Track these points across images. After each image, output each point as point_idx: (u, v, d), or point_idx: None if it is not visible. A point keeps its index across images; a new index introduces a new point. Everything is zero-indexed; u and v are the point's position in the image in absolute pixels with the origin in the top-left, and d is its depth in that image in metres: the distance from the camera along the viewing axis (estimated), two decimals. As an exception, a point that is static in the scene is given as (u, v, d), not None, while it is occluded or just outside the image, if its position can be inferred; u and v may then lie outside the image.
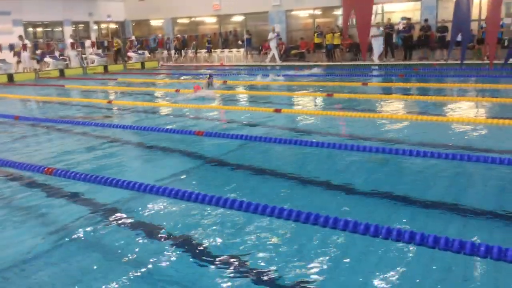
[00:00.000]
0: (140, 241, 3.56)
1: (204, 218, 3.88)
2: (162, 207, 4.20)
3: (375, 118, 7.83)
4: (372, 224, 3.17)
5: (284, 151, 6.15)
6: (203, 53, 24.57)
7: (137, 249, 3.40)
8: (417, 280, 2.85)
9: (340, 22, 21.37)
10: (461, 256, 2.88)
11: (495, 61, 13.60)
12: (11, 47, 21.00)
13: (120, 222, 3.93)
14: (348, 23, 15.39)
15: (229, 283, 2.90)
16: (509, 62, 13.91)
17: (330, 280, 2.90)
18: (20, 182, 5.19)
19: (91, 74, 21.22)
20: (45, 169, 5.17)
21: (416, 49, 18.76)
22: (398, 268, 2.96)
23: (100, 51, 24.53)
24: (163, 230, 3.71)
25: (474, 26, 17.35)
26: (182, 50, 24.90)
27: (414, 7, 20.00)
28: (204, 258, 3.24)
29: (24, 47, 20.67)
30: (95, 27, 26.36)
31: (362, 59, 16.06)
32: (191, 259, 3.24)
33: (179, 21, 26.84)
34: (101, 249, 3.49)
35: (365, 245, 3.24)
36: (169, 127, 7.65)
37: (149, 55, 25.48)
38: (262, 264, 3.11)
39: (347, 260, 3.13)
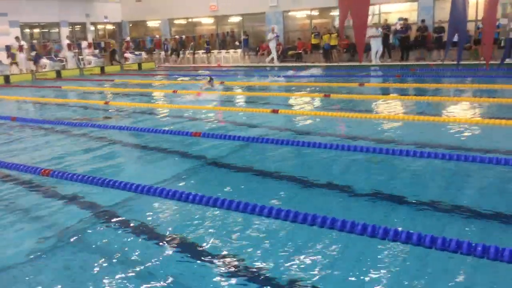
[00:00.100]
0: (139, 241, 3.56)
1: (201, 219, 3.88)
2: (160, 208, 4.20)
3: (372, 119, 7.85)
4: (370, 225, 3.18)
5: (280, 152, 6.15)
6: (200, 54, 24.56)
7: (135, 250, 3.40)
8: (415, 280, 2.86)
9: (337, 22, 21.41)
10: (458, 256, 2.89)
11: (491, 62, 13.65)
12: (7, 48, 20.94)
13: (117, 223, 3.93)
14: (345, 24, 15.39)
15: (227, 283, 2.90)
16: (505, 62, 13.97)
17: (327, 280, 2.90)
18: (17, 184, 5.17)
19: (88, 75, 21.18)
20: (42, 171, 5.16)
21: (413, 49, 18.80)
22: (396, 268, 2.97)
23: (97, 52, 24.48)
24: (161, 231, 3.71)
25: (471, 26, 17.44)
26: (180, 51, 24.89)
27: (411, 8, 20.05)
28: (202, 258, 3.24)
29: (21, 48, 20.62)
30: (92, 28, 26.32)
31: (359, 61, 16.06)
32: (189, 260, 3.24)
33: (176, 22, 26.83)
34: (99, 250, 3.48)
35: (363, 245, 3.25)
36: (166, 128, 7.64)
37: (145, 56, 25.45)
38: (260, 264, 3.11)
39: (345, 260, 3.13)
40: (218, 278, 2.97)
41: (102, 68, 22.47)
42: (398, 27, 18.76)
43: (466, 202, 4.08)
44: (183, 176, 5.19)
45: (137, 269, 3.13)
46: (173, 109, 10.09)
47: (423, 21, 18.49)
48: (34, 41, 22.98)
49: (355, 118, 7.82)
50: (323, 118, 8.07)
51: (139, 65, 23.58)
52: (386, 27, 18.85)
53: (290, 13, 22.99)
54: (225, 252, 3.30)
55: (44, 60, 21.55)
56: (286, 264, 3.09)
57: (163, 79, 17.92)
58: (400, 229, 3.16)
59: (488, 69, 13.08)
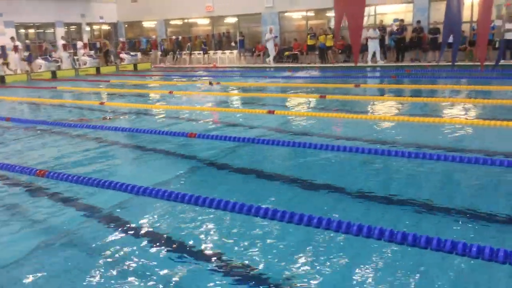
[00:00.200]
0: (135, 242, 3.55)
1: (197, 219, 3.88)
2: (156, 209, 4.19)
3: (368, 119, 7.87)
4: (365, 225, 3.19)
5: (277, 153, 6.15)
6: (196, 54, 24.53)
7: (131, 250, 3.39)
8: (411, 280, 2.87)
9: (332, 23, 21.45)
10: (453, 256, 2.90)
11: (486, 63, 13.73)
12: (2, 48, 20.84)
13: (113, 223, 3.92)
14: (341, 25, 15.44)
15: (223, 284, 2.90)
16: (500, 63, 14.04)
17: (324, 280, 2.91)
18: (12, 185, 5.16)
19: (83, 75, 21.12)
20: (38, 171, 5.13)
21: (408, 50, 18.87)
22: (391, 269, 2.98)
23: (92, 52, 24.42)
24: (157, 232, 3.70)
25: (466, 28, 17.52)
26: (176, 52, 24.85)
27: (406, 9, 20.12)
28: (199, 259, 3.24)
29: (16, 48, 20.53)
30: (88, 28, 26.24)
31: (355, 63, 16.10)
32: (185, 260, 3.24)
33: (172, 22, 26.78)
34: (95, 251, 3.47)
35: (359, 246, 3.25)
36: (161, 129, 7.63)
37: (141, 57, 25.40)
38: (257, 265, 3.11)
39: (342, 260, 3.14)
40: (214, 279, 2.97)
41: (97, 69, 22.41)
42: (394, 28, 18.83)
43: (462, 203, 4.09)
44: (179, 176, 5.19)
45: (133, 269, 3.12)
46: (168, 109, 10.08)
47: (418, 22, 18.56)
48: (27, 41, 22.86)
49: (351, 118, 7.83)
50: (319, 119, 8.08)
51: (135, 65, 23.53)
52: (382, 28, 18.92)
53: (286, 14, 23.01)
54: (221, 253, 3.30)
55: (39, 61, 21.47)
56: (282, 264, 3.09)
57: (159, 80, 17.89)
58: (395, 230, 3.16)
59: (482, 70, 13.14)
